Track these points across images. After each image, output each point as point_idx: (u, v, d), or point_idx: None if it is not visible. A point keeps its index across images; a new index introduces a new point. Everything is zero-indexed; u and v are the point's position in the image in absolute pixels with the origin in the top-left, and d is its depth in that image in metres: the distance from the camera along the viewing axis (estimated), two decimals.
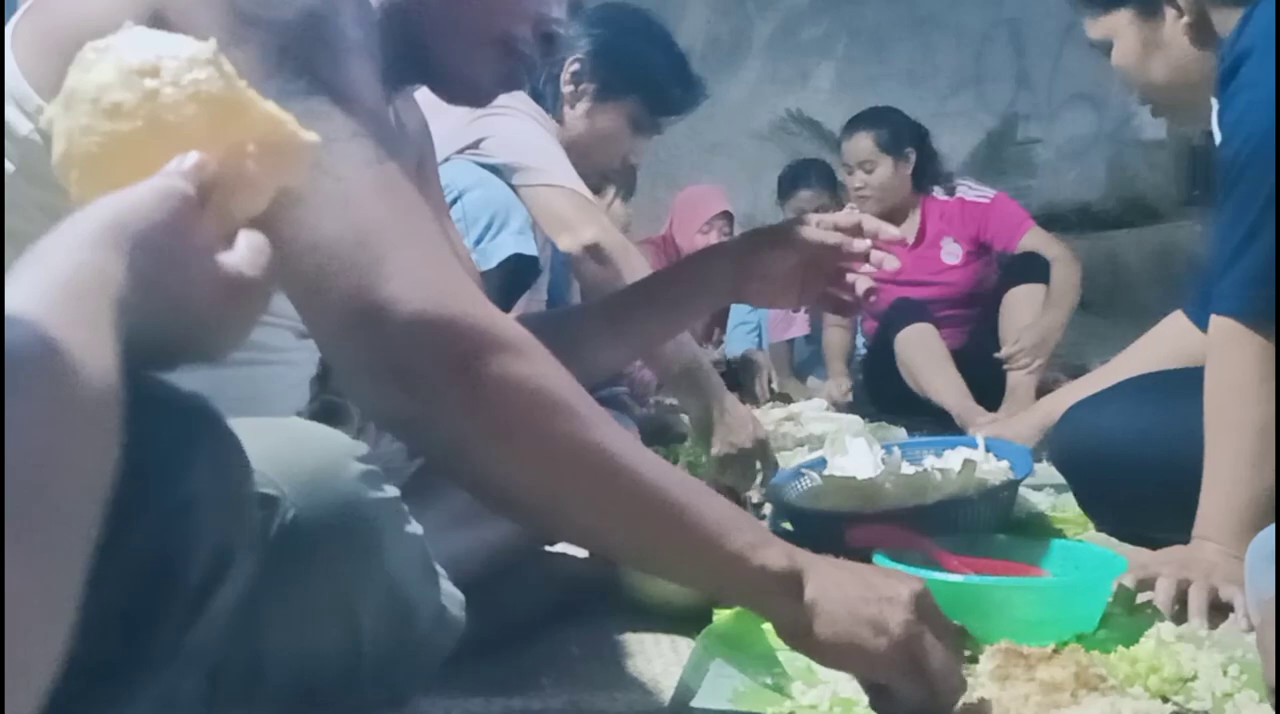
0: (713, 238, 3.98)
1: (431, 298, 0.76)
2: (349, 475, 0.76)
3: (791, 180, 4.12)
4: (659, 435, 2.35)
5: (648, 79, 2.06)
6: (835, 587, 0.87)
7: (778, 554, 0.87)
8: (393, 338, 0.75)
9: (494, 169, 1.82)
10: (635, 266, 1.86)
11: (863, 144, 3.37)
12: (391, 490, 0.79)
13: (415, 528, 0.81)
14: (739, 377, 3.65)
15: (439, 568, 0.87)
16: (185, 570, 0.57)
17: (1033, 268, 3.21)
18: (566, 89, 2.07)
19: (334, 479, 0.75)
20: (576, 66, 2.06)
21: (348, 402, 1.11)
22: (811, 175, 4.11)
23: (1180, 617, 1.24)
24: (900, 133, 3.39)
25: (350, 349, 0.77)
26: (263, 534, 0.70)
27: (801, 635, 0.88)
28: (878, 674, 0.88)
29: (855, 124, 3.45)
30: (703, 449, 1.95)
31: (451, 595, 0.86)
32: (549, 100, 2.06)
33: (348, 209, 0.77)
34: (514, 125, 1.88)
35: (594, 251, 1.82)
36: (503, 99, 1.93)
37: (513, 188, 1.81)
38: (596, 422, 0.81)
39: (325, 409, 1.08)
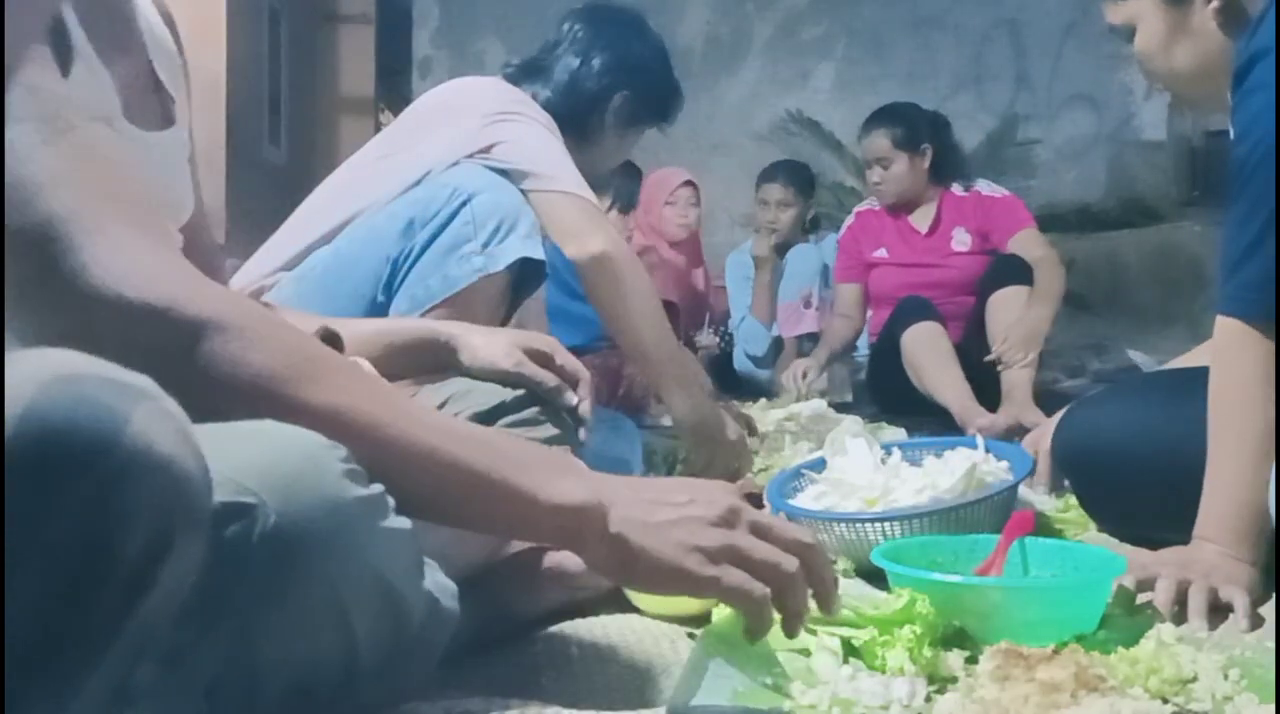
0: (678, 208, 4.02)
1: (134, 286, 0.74)
2: (329, 475, 0.74)
3: (764, 175, 4.35)
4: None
5: (630, 79, 2.06)
6: (639, 514, 0.85)
7: (573, 486, 0.85)
8: (102, 330, 0.73)
9: (504, 173, 1.82)
10: (639, 280, 1.89)
11: (879, 142, 3.48)
12: (376, 487, 0.78)
13: (399, 522, 0.80)
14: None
15: (428, 560, 0.86)
16: (120, 543, 0.56)
17: (1016, 271, 3.25)
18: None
19: (314, 480, 0.73)
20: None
21: None
22: (780, 173, 4.33)
23: (1180, 617, 1.24)
24: (916, 129, 3.48)
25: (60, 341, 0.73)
26: (243, 543, 0.69)
27: (617, 570, 0.86)
28: (704, 591, 0.86)
29: (872, 122, 3.56)
30: (683, 445, 2.01)
31: (443, 586, 0.86)
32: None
33: (32, 199, 0.74)
34: (525, 131, 1.88)
35: (599, 261, 1.83)
36: (514, 105, 1.94)
37: (523, 193, 1.81)
38: (337, 383, 0.80)
39: None
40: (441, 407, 1.30)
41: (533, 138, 1.88)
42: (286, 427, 0.76)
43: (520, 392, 1.32)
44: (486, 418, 1.29)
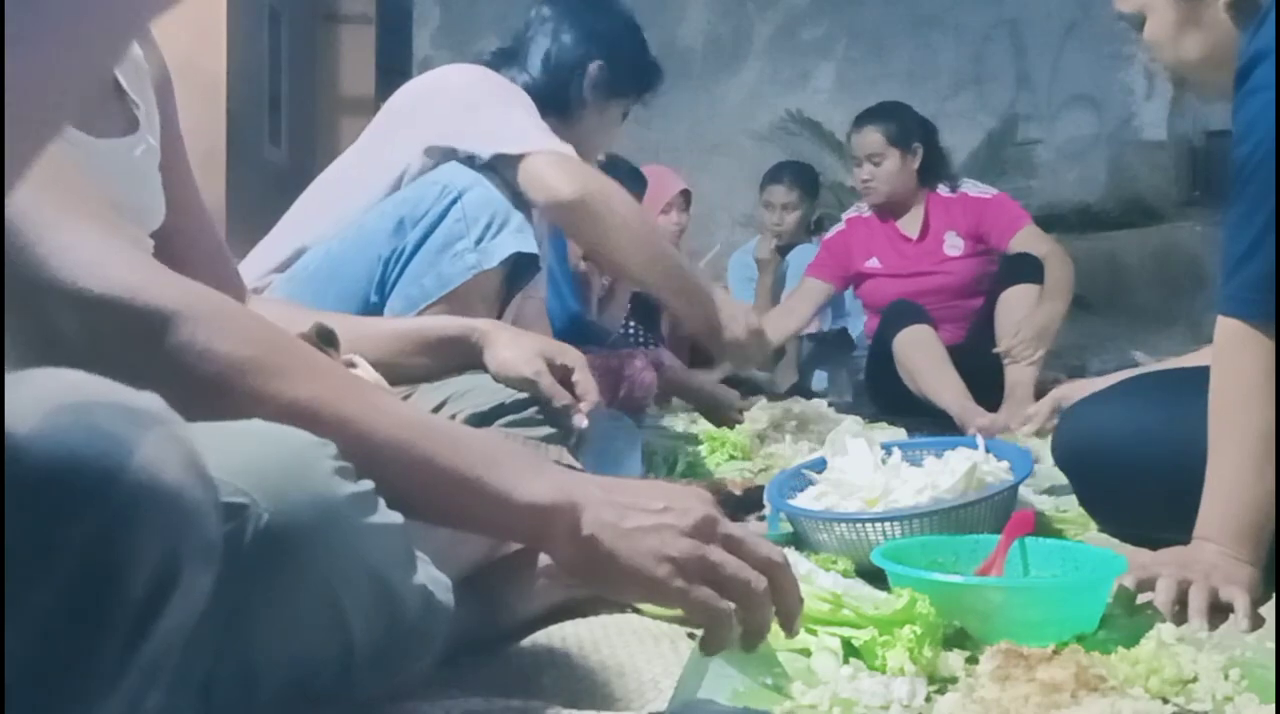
0: (673, 217, 4.02)
1: (93, 277, 0.74)
2: (320, 473, 0.74)
3: (769, 176, 4.36)
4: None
5: (602, 48, 2.06)
6: (612, 518, 0.85)
7: (546, 487, 0.85)
8: (66, 325, 0.73)
9: (488, 168, 1.82)
10: (618, 213, 1.86)
11: (871, 137, 3.45)
12: (366, 483, 0.78)
13: (390, 517, 0.80)
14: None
15: (420, 554, 0.86)
16: (127, 576, 0.55)
17: (1027, 269, 3.23)
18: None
19: (305, 479, 0.73)
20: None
21: None
22: (785, 174, 4.33)
23: (1180, 617, 1.24)
24: (908, 127, 3.46)
25: (25, 337, 0.73)
26: (236, 543, 0.68)
27: (585, 571, 0.86)
28: (670, 602, 0.86)
29: (865, 118, 3.53)
30: (710, 353, 2.00)
31: (436, 580, 0.85)
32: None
33: None
34: (493, 115, 1.87)
35: (569, 208, 1.82)
36: (481, 85, 1.93)
37: (504, 177, 1.81)
38: (305, 376, 0.80)
39: None
40: (441, 406, 1.30)
41: (499, 119, 1.87)
42: (275, 425, 0.75)
43: (521, 394, 1.32)
44: (485, 418, 1.29)
